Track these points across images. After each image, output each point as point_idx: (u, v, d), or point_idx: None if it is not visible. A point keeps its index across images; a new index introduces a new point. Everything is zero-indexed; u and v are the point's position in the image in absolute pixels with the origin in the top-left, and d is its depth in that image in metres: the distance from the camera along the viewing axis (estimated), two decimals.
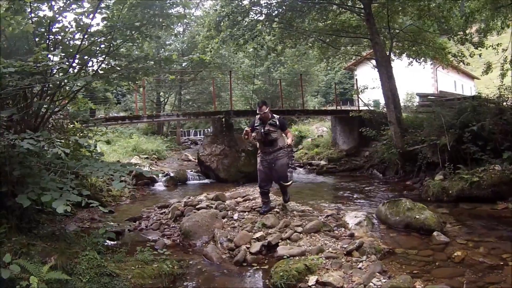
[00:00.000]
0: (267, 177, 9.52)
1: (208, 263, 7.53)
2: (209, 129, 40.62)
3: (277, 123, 9.38)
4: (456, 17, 17.81)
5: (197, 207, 10.37)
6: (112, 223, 9.55)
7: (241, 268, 7.08)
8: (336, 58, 23.14)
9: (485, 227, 8.62)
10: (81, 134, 10.18)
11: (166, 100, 39.31)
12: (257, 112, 9.43)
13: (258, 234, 8.05)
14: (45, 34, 7.74)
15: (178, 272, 6.86)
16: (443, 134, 12.94)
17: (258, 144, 9.80)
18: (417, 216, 8.63)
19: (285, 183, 9.48)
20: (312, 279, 6.22)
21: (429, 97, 21.43)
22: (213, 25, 18.20)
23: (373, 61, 18.92)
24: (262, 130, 9.24)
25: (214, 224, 8.97)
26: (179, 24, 36.92)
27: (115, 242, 8.32)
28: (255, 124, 9.46)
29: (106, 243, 7.58)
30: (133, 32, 8.03)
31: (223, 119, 19.38)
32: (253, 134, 9.42)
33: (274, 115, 9.57)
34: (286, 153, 9.45)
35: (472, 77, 48.06)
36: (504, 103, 13.81)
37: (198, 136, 46.34)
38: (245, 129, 9.59)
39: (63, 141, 7.95)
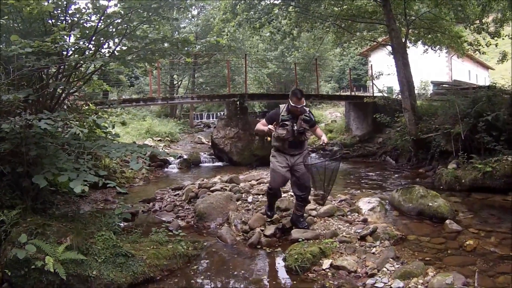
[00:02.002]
0: (284, 182, 7.66)
1: (223, 245, 7.59)
2: (222, 113, 40.66)
3: (312, 118, 7.49)
4: (473, 5, 17.61)
5: (211, 189, 10.43)
6: (126, 204, 9.59)
7: (255, 250, 7.12)
8: (352, 43, 23.00)
9: (497, 218, 8.57)
10: (96, 116, 10.25)
11: (179, 83, 39.31)
12: (292, 104, 7.21)
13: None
14: (62, 15, 7.75)
15: (192, 253, 6.91)
16: (457, 122, 12.82)
17: (275, 141, 7.52)
18: (430, 204, 8.61)
19: (308, 194, 7.69)
20: (326, 263, 6.24)
21: (444, 85, 21.28)
22: (229, 8, 18.14)
23: (389, 48, 18.82)
24: (295, 128, 7.27)
25: (229, 206, 9.02)
26: (193, 7, 36.92)
27: (130, 223, 8.39)
28: (282, 118, 7.36)
29: (121, 224, 7.64)
30: (150, 13, 8.02)
31: (238, 102, 19.40)
32: (279, 131, 7.27)
33: (305, 107, 7.49)
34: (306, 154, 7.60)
35: (486, 67, 47.69)
36: None
37: (211, 119, 46.41)
38: (269, 127, 7.23)
39: (79, 122, 8.00)
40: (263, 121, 7.64)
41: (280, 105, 7.65)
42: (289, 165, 7.45)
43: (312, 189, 7.78)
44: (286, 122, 7.29)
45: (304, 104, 7.25)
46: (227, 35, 18.42)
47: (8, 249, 5.54)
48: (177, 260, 6.53)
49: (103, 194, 11.39)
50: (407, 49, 18.46)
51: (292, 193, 8.23)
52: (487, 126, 11.90)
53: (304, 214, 7.96)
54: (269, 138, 7.46)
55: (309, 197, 7.99)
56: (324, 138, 7.53)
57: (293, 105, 7.21)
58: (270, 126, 7.22)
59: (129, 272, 5.88)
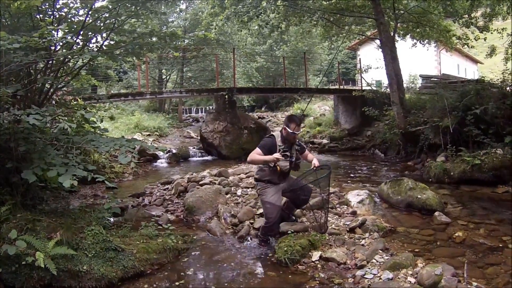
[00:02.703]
0: (280, 214, 6.94)
1: (212, 238, 7.63)
2: (210, 107, 40.65)
3: (302, 146, 7.25)
4: (461, 0, 17.70)
5: (200, 183, 10.45)
6: (116, 199, 9.59)
7: (244, 243, 7.16)
8: (340, 37, 23.01)
9: (485, 210, 8.63)
10: (85, 111, 10.23)
11: (168, 77, 39.25)
12: (290, 131, 6.73)
13: (261, 210, 7.95)
14: (49, 10, 7.72)
15: (182, 247, 6.95)
16: (445, 116, 12.88)
17: (267, 175, 6.96)
18: (419, 196, 8.67)
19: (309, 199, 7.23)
20: (316, 255, 6.30)
21: (432, 79, 21.37)
22: (217, 2, 18.12)
23: (377, 41, 18.82)
24: (293, 159, 6.90)
25: (218, 200, 9.04)
26: (181, 1, 36.84)
27: (119, 218, 8.39)
28: (282, 148, 6.81)
29: (110, 219, 7.64)
30: (138, 7, 8.00)
31: (226, 96, 19.40)
32: (281, 164, 6.75)
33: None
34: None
35: (475, 61, 47.97)
36: (508, 88, 13.78)
37: (200, 113, 46.32)
38: (276, 156, 6.59)
39: (67, 117, 7.97)
40: (258, 150, 6.82)
41: (273, 133, 7.20)
42: (280, 189, 6.95)
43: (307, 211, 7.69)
44: (287, 153, 6.78)
45: (301, 131, 6.55)
46: (216, 29, 18.39)
47: None
48: (167, 254, 6.55)
49: (92, 190, 11.37)
50: (395, 43, 18.49)
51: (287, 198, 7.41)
52: (476, 119, 11.97)
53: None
54: (279, 168, 6.75)
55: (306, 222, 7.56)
56: (316, 162, 6.90)
57: (292, 132, 6.71)
58: (278, 155, 6.60)
59: (120, 267, 5.89)
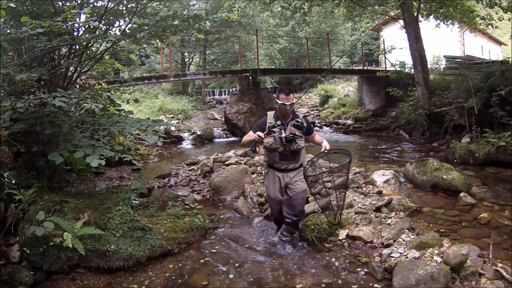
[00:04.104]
0: (280, 206, 6.23)
1: (239, 217, 7.71)
2: (233, 89, 40.63)
3: (304, 124, 6.11)
4: None
5: (226, 163, 10.53)
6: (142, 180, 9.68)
7: (271, 222, 7.10)
8: (363, 17, 22.76)
9: (510, 192, 8.52)
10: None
11: (190, 60, 39.23)
12: (280, 102, 5.93)
13: None
14: None
15: (209, 226, 7.03)
16: (470, 97, 12.72)
17: (267, 155, 6.30)
18: (444, 177, 8.62)
19: (300, 220, 6.33)
20: (342, 233, 6.31)
21: (457, 59, 21.07)
22: None
23: (401, 22, 18.60)
24: (283, 135, 5.95)
25: (244, 180, 9.08)
26: None
27: (146, 199, 8.45)
28: (269, 124, 6.06)
29: (137, 200, 7.70)
30: None
31: (250, 77, 19.34)
32: (265, 140, 5.95)
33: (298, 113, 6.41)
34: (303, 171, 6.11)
35: (499, 43, 47.02)
36: None
37: (223, 95, 46.27)
38: (257, 134, 5.82)
39: (92, 99, 8.01)
40: (250, 132, 6.20)
41: (267, 112, 6.44)
42: (281, 185, 6.15)
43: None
44: (274, 129, 5.96)
45: (294, 101, 5.99)
46: (238, 10, 18.30)
47: (26, 227, 5.63)
48: (194, 232, 6.61)
49: (118, 172, 11.48)
50: (419, 23, 18.25)
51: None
52: (501, 100, 11.80)
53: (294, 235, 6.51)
54: (258, 148, 5.97)
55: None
56: (326, 145, 6.01)
57: (281, 102, 5.89)
58: (259, 133, 5.80)
59: (147, 246, 5.95)
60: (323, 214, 6.33)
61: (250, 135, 6.04)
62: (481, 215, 7.02)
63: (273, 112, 6.27)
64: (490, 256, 5.34)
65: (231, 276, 5.52)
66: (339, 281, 5.23)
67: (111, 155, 5.57)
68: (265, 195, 7.04)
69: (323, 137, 6.42)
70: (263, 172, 6.52)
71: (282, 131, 5.93)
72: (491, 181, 9.44)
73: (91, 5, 7.55)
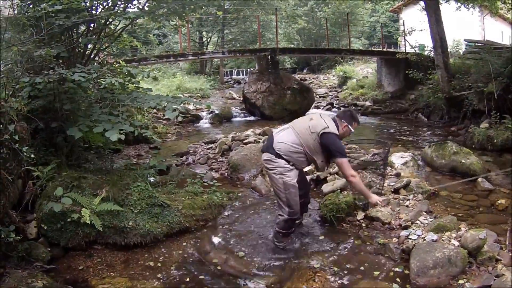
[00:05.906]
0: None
1: (257, 195, 7.71)
2: (252, 69, 40.54)
3: None
4: None
5: (244, 141, 10.54)
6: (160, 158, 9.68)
7: None
8: None
9: None
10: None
11: (209, 39, 39.14)
12: (352, 129, 5.68)
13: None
14: None
15: (227, 204, 7.04)
16: (490, 81, 12.53)
17: (302, 159, 5.56)
18: (463, 161, 8.57)
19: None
20: (360, 214, 6.30)
21: (477, 44, 20.83)
22: None
23: (421, 3, 18.38)
24: None
25: None
26: None
27: (164, 176, 8.46)
28: None
29: (155, 177, 7.70)
30: None
31: (269, 56, 19.17)
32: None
33: None
34: None
35: None
36: None
37: (241, 75, 46.14)
38: (377, 200, 5.53)
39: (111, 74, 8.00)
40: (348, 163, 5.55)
41: (330, 130, 5.43)
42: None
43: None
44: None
45: None
46: None
47: (43, 203, 5.65)
48: (212, 210, 6.62)
49: (135, 150, 11.52)
50: (439, 5, 18.04)
51: None
52: None
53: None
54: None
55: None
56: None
57: (352, 130, 5.69)
58: (380, 200, 5.62)
59: (165, 222, 5.97)
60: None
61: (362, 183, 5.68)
62: (499, 201, 6.96)
63: (334, 125, 5.53)
64: (507, 243, 5.29)
65: (246, 255, 5.54)
66: (356, 262, 5.23)
67: (131, 130, 5.59)
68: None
69: None
70: (282, 168, 5.46)
71: None
72: (509, 167, 9.32)
73: None
